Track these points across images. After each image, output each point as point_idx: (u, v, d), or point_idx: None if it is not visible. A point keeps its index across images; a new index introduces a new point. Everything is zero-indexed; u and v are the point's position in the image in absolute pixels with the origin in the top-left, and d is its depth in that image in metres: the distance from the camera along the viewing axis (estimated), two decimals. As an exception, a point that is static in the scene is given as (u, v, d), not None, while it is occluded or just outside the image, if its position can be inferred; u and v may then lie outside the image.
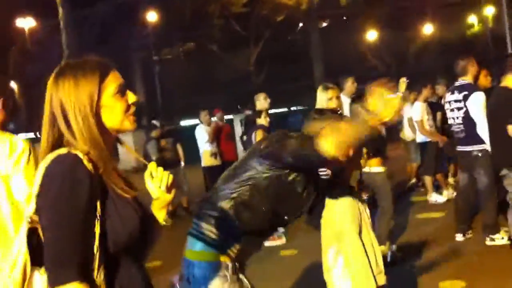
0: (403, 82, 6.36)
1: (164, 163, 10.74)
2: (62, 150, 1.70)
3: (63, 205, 1.63)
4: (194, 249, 2.54)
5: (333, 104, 5.04)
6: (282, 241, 7.20)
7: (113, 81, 1.79)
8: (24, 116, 41.18)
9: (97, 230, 1.67)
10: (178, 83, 34.29)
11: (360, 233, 2.69)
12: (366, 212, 2.80)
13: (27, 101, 42.97)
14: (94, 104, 1.75)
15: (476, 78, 6.22)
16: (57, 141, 1.77)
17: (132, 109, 1.83)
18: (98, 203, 1.68)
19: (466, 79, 6.08)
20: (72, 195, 1.63)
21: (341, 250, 2.67)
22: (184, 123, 26.25)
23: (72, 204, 1.63)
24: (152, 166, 1.91)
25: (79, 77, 1.76)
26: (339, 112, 5.11)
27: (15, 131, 7.14)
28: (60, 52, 22.10)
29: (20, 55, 34.92)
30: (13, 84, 42.31)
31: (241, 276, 2.60)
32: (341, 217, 2.68)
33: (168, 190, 1.93)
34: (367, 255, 2.66)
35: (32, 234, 1.69)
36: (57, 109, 1.77)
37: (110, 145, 1.81)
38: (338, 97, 5.21)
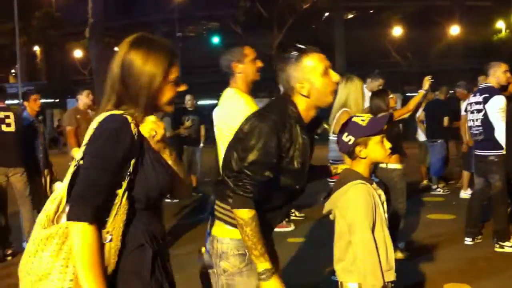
0: (427, 80, 6.32)
1: (185, 141, 10.78)
2: (116, 111, 1.98)
3: (102, 155, 1.91)
4: (217, 225, 2.56)
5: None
6: (291, 227, 7.24)
7: (175, 71, 2.06)
8: (44, 80, 41.45)
9: (125, 184, 1.93)
10: (199, 61, 34.28)
11: (373, 227, 2.69)
12: (383, 206, 2.79)
13: (47, 65, 43.26)
14: (155, 82, 2.01)
15: (506, 85, 6.16)
16: (116, 102, 2.04)
17: (174, 99, 2.11)
18: (133, 162, 1.95)
19: (490, 82, 6.06)
20: (112, 150, 1.91)
21: (351, 242, 2.66)
22: (202, 102, 26.24)
23: (109, 157, 1.91)
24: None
25: (152, 53, 2.01)
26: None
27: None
28: (84, 19, 22.09)
29: (44, 19, 35.04)
30: (36, 47, 42.62)
31: None
32: (355, 208, 2.65)
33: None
34: (377, 250, 2.67)
35: (76, 175, 1.95)
36: (124, 73, 2.02)
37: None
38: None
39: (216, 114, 3.92)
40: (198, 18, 34.77)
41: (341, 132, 2.74)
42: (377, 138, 2.69)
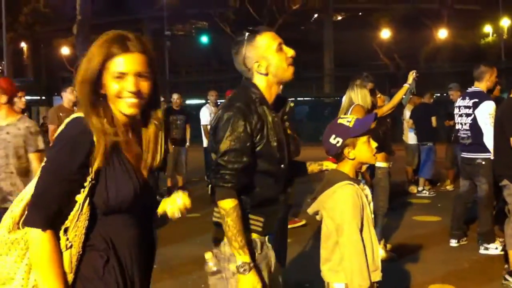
0: (412, 74, 6.38)
1: (173, 141, 10.70)
2: (79, 115, 1.92)
3: (56, 163, 1.87)
4: (220, 230, 2.54)
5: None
6: (302, 222, 7.21)
7: (119, 64, 1.90)
8: (31, 77, 41.12)
9: (86, 190, 1.87)
10: (187, 60, 34.19)
11: (361, 227, 2.69)
12: (370, 207, 2.81)
13: (34, 62, 42.93)
14: (87, 75, 1.90)
15: (492, 89, 6.20)
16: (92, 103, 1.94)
17: (125, 95, 1.92)
18: (95, 169, 1.87)
19: (479, 87, 6.07)
20: (67, 158, 1.85)
21: (339, 243, 2.67)
22: (190, 101, 26.17)
23: (64, 165, 1.85)
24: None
25: (93, 46, 1.93)
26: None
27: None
28: (72, 16, 21.97)
29: (32, 16, 34.78)
30: (23, 44, 42.27)
31: (269, 253, 2.61)
32: (343, 210, 2.66)
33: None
34: (365, 251, 2.68)
35: None
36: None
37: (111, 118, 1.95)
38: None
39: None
40: (187, 17, 34.67)
41: (327, 134, 2.74)
42: (364, 138, 2.71)
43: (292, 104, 2.81)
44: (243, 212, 2.45)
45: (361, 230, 2.67)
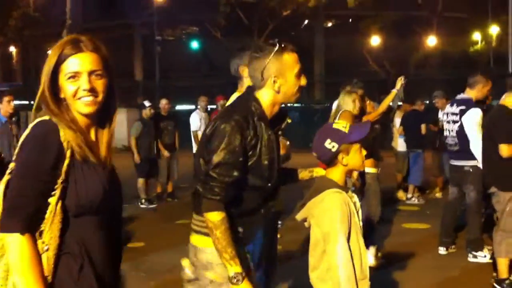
0: (400, 80, 6.41)
1: (163, 146, 10.73)
2: (45, 117, 1.94)
3: (29, 165, 1.87)
4: (197, 237, 2.52)
5: (355, 107, 5.44)
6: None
7: (71, 65, 1.94)
8: (20, 81, 40.85)
9: (58, 193, 1.88)
10: (178, 66, 34.11)
11: (349, 235, 2.68)
12: (358, 214, 2.79)
13: (23, 66, 42.69)
14: (44, 77, 1.95)
15: (481, 100, 6.20)
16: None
17: (81, 94, 1.94)
18: (64, 171, 1.89)
19: (469, 94, 6.08)
20: (38, 158, 1.86)
21: (326, 251, 2.64)
22: (179, 107, 26.09)
23: (36, 166, 1.86)
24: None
25: (51, 51, 1.97)
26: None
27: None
28: (62, 20, 21.89)
29: (21, 19, 34.56)
30: (12, 48, 42.03)
31: (248, 262, 2.59)
32: (331, 217, 2.62)
33: None
34: (352, 260, 2.65)
35: (9, 183, 1.89)
36: None
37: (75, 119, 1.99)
38: (359, 99, 5.55)
39: None
40: (178, 22, 34.64)
41: (321, 139, 2.69)
42: (357, 145, 2.69)
43: (290, 121, 2.81)
44: (231, 224, 2.43)
45: (348, 239, 2.64)
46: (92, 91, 1.95)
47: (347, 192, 2.73)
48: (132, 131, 9.85)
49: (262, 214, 2.64)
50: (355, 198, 2.81)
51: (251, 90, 2.57)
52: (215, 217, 2.38)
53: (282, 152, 2.83)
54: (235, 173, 2.41)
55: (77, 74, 1.94)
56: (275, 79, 2.50)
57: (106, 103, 2.01)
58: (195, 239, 2.55)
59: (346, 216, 2.63)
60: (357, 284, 2.62)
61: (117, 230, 2.15)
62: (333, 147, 2.64)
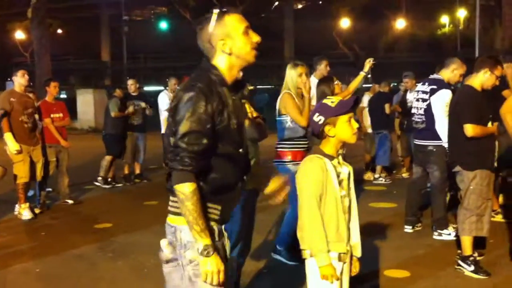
0: (368, 62, 6.42)
1: (132, 127, 10.67)
2: None
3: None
4: (177, 216, 2.48)
5: (302, 81, 5.14)
6: None
7: None
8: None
9: None
10: (146, 47, 33.67)
11: (322, 199, 2.84)
12: (349, 182, 2.98)
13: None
14: None
15: (453, 84, 6.25)
16: None
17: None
18: None
19: (442, 75, 6.14)
20: None
21: (299, 211, 2.88)
22: (147, 88, 25.82)
23: None
24: None
25: None
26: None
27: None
28: (27, 0, 21.36)
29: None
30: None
31: (225, 241, 2.58)
32: (303, 176, 2.86)
33: None
34: (328, 223, 2.85)
35: None
36: None
37: None
38: (306, 74, 5.26)
39: None
40: (146, 2, 34.15)
41: (312, 114, 2.95)
42: (344, 117, 2.88)
43: (251, 87, 2.82)
44: (202, 196, 2.40)
45: (322, 201, 2.85)
46: None
47: (331, 160, 2.90)
48: (111, 107, 9.66)
49: (239, 190, 2.62)
50: (346, 166, 3.00)
51: (207, 60, 2.55)
52: (187, 188, 2.33)
53: None
54: (204, 141, 2.36)
55: None
56: (224, 42, 2.49)
57: None
58: (173, 219, 2.51)
59: (319, 179, 2.83)
60: (327, 244, 2.83)
61: None
62: (320, 120, 2.88)
